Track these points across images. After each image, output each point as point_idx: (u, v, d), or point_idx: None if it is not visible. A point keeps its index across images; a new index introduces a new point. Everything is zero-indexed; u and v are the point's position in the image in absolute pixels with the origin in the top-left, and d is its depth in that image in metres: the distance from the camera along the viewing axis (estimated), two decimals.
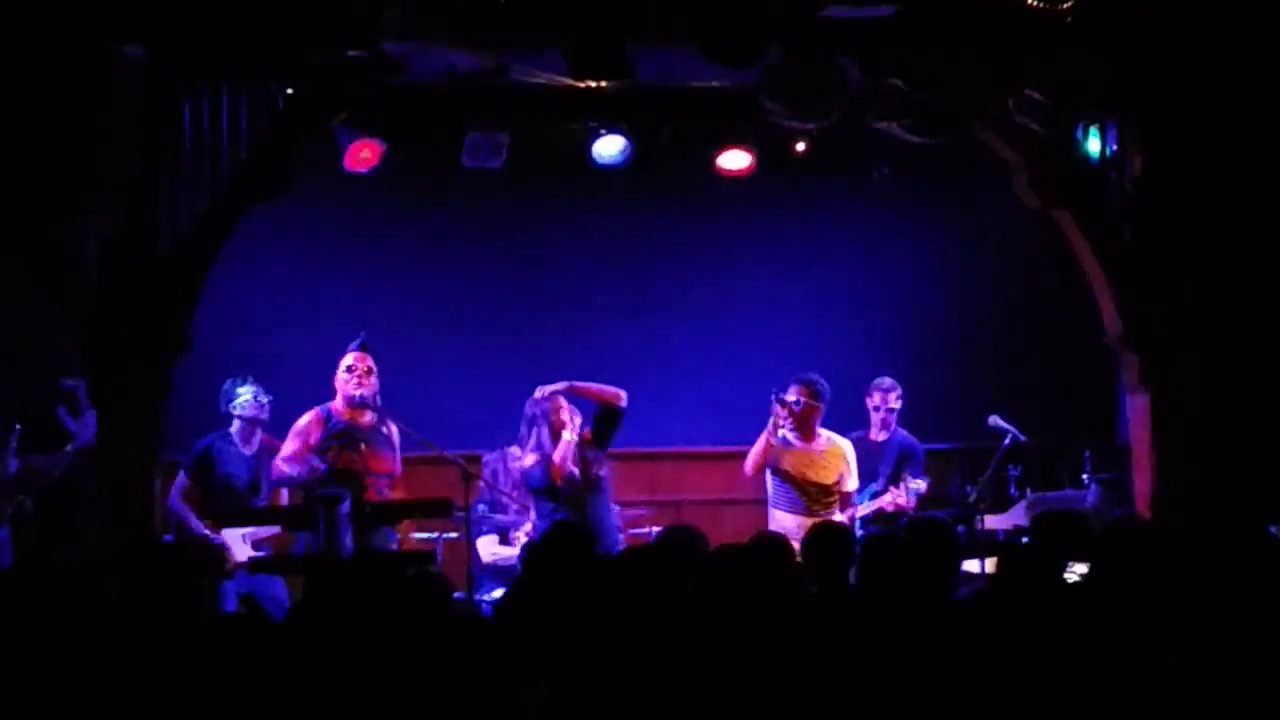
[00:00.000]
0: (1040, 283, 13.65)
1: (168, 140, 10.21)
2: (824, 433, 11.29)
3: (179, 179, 10.29)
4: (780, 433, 11.07)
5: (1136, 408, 11.25)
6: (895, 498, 11.26)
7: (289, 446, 10.59)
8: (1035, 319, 13.96)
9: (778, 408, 11.02)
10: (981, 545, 10.81)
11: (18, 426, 11.41)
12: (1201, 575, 6.42)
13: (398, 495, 10.67)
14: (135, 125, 9.97)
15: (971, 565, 10.43)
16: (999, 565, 7.16)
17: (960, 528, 11.11)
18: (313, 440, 10.57)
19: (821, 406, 11.19)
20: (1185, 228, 10.93)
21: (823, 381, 11.23)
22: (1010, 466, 11.93)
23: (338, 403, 10.68)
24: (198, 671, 6.02)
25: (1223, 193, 10.87)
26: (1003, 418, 11.55)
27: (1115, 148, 11.14)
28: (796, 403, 11.10)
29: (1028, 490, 11.92)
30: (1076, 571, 7.34)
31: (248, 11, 9.69)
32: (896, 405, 11.73)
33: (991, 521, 11.17)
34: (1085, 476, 12.02)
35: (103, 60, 9.68)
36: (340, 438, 10.59)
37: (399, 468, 10.72)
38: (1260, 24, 10.41)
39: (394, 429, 10.73)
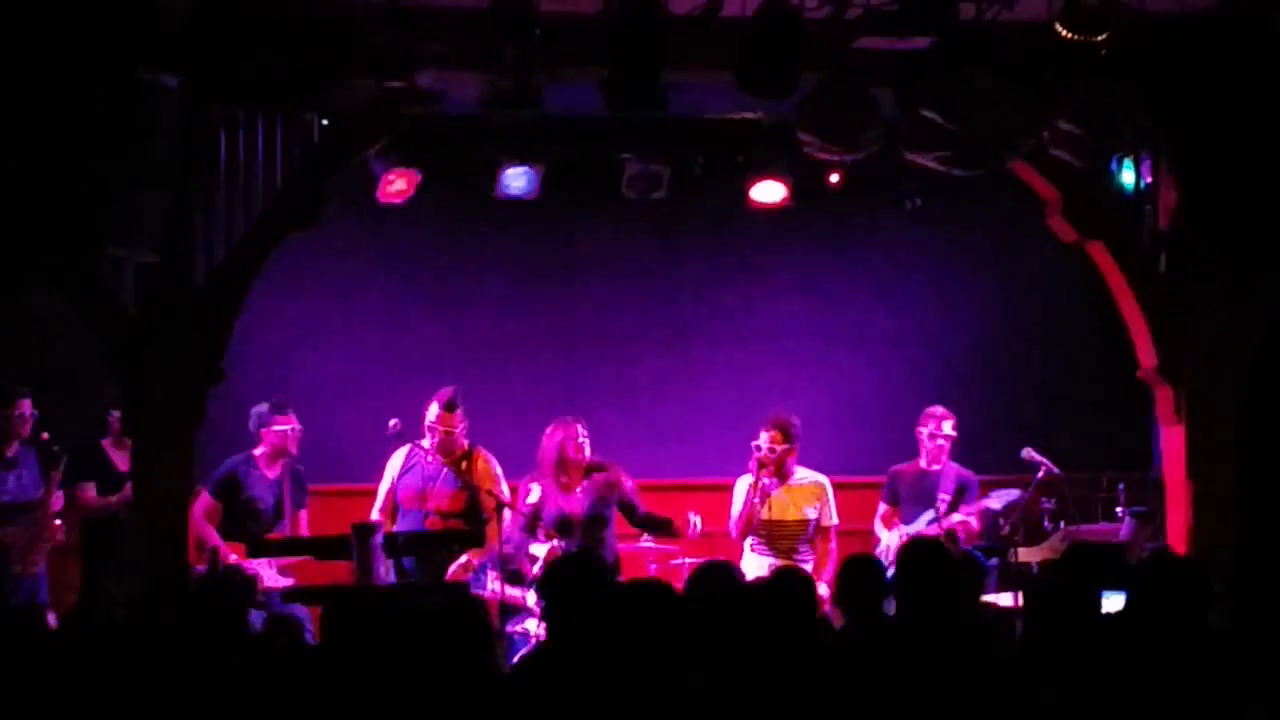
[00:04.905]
0: (1074, 315, 13.62)
1: (203, 170, 10.25)
2: (798, 469, 11.28)
3: (213, 209, 10.33)
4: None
5: (1170, 441, 11.20)
6: (966, 515, 11.35)
7: (383, 485, 11.04)
8: (1069, 351, 13.93)
9: (755, 466, 11.04)
10: (1015, 578, 10.79)
11: (65, 458, 11.47)
12: (1231, 610, 6.42)
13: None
14: (170, 155, 9.99)
15: (1004, 599, 10.40)
16: (1027, 596, 7.13)
17: (993, 560, 11.12)
18: (396, 475, 10.99)
19: (796, 446, 11.18)
20: (1220, 260, 10.91)
21: (794, 419, 11.22)
22: (1044, 499, 11.90)
23: (426, 440, 10.91)
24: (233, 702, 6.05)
25: (1258, 225, 10.84)
26: (1036, 450, 11.53)
27: (1150, 180, 11.13)
28: (771, 451, 11.08)
29: (1061, 523, 11.88)
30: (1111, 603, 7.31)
31: (284, 43, 9.73)
32: (951, 433, 11.73)
33: (1025, 554, 11.13)
34: (1119, 509, 11.98)
35: (138, 90, 9.71)
36: (412, 472, 10.96)
37: (490, 503, 10.71)
38: None
39: (480, 468, 10.90)
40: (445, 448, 10.84)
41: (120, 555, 11.35)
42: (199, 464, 10.57)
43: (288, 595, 10.41)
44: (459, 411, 10.86)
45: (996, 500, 11.47)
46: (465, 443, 10.95)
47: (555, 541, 10.60)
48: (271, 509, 10.96)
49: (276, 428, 10.98)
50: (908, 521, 11.62)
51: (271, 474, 11.00)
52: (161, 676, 6.18)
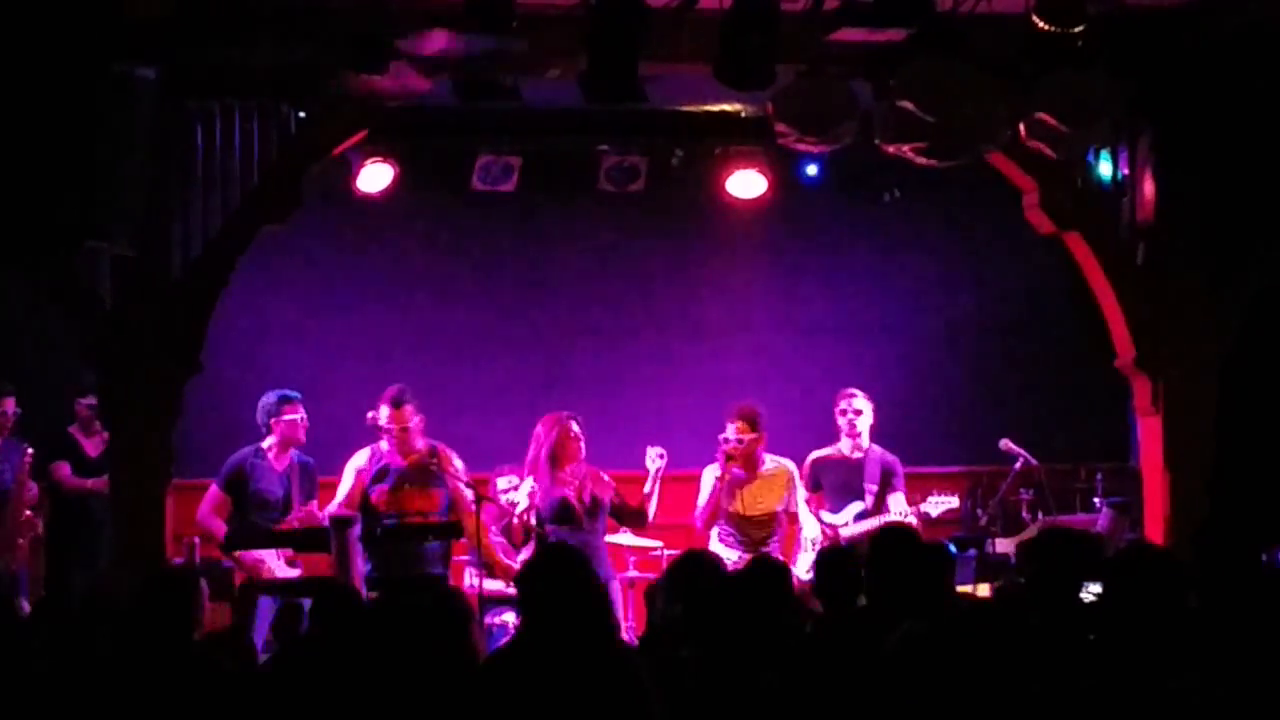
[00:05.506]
0: (1051, 306, 13.64)
1: (180, 162, 10.24)
2: (766, 458, 11.16)
3: (191, 201, 10.32)
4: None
5: (1148, 431, 11.24)
6: (903, 516, 11.16)
7: (345, 484, 10.75)
8: (1047, 342, 13.94)
9: (723, 459, 10.97)
10: (992, 568, 10.80)
11: (30, 449, 11.45)
12: (1207, 602, 6.42)
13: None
14: (147, 148, 9.97)
15: (982, 589, 10.42)
16: (997, 587, 7.14)
17: (971, 551, 11.10)
18: (365, 479, 10.71)
19: (764, 435, 11.12)
20: (1198, 252, 10.94)
21: (760, 408, 11.11)
22: (1022, 490, 11.92)
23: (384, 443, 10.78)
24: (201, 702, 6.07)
25: (1235, 217, 10.87)
26: (1014, 441, 11.54)
27: (1127, 172, 11.14)
28: (739, 442, 10.99)
29: (1039, 514, 11.90)
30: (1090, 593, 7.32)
31: (261, 34, 9.71)
32: (859, 409, 11.38)
33: (1002, 545, 11.14)
34: (1096, 500, 12.02)
35: (116, 83, 9.69)
36: (384, 478, 10.71)
37: (467, 496, 10.60)
38: (1271, 45, 10.40)
39: (449, 462, 10.75)
40: (402, 447, 10.66)
41: (89, 546, 11.34)
42: (177, 457, 10.54)
43: (265, 589, 10.38)
44: (408, 407, 10.63)
45: (933, 507, 11.34)
46: (422, 440, 10.73)
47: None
48: (280, 501, 10.84)
49: (286, 418, 10.87)
50: (834, 510, 11.32)
51: (280, 466, 10.89)
52: (130, 666, 6.19)
